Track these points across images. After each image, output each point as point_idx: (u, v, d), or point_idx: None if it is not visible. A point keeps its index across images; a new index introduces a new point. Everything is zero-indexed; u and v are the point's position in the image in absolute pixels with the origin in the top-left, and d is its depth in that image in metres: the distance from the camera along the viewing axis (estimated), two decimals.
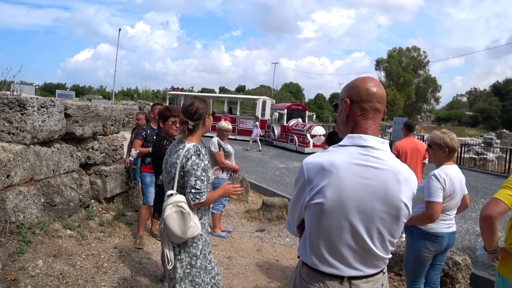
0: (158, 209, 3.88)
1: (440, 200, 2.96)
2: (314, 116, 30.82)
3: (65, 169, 5.30)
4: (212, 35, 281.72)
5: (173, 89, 31.91)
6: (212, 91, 71.51)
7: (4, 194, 4.17)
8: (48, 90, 50.12)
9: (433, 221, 2.99)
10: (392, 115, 44.44)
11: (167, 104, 26.84)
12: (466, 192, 3.27)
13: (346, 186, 1.51)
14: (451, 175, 3.07)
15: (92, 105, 6.09)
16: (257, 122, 21.74)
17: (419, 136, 21.44)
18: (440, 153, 3.15)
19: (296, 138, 20.15)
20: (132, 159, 5.77)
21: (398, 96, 55.90)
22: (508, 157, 17.14)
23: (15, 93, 5.01)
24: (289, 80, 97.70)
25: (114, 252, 4.75)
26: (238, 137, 24.21)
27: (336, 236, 1.55)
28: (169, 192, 2.59)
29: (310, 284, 1.62)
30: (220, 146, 5.64)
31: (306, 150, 18.64)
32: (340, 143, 1.63)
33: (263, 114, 25.42)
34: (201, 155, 2.53)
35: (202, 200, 2.51)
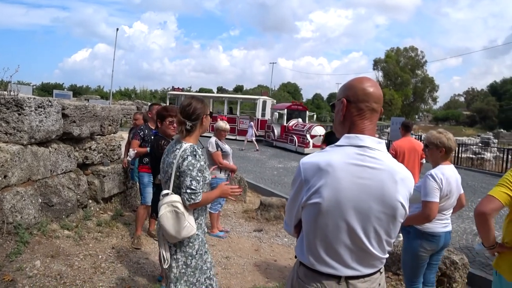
0: (156, 209, 3.87)
1: (437, 200, 2.97)
2: (315, 116, 30.65)
3: (63, 169, 5.29)
4: (210, 35, 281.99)
5: (173, 89, 31.80)
6: (210, 91, 71.49)
7: (2, 194, 4.16)
8: (45, 90, 49.99)
9: (430, 221, 3.00)
10: (390, 115, 44.56)
11: (167, 104, 26.79)
12: (462, 191, 3.29)
13: (342, 186, 1.52)
14: (448, 175, 3.07)
15: (89, 105, 6.08)
16: (252, 122, 21.69)
17: (417, 136, 21.46)
18: (437, 153, 3.16)
19: (295, 138, 20.02)
20: (130, 159, 5.76)
21: (396, 96, 55.94)
22: (505, 156, 17.20)
23: (12, 93, 5.00)
24: (287, 80, 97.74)
25: (112, 252, 4.75)
26: (238, 137, 24.08)
27: (333, 236, 1.56)
28: (164, 191, 2.59)
29: (307, 284, 1.63)
30: (218, 146, 5.64)
31: (306, 150, 18.47)
32: (337, 143, 1.63)
33: (263, 114, 25.24)
34: (197, 156, 2.53)
35: (198, 201, 2.51)
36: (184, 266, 2.58)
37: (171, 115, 4.16)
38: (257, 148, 19.68)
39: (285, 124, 21.68)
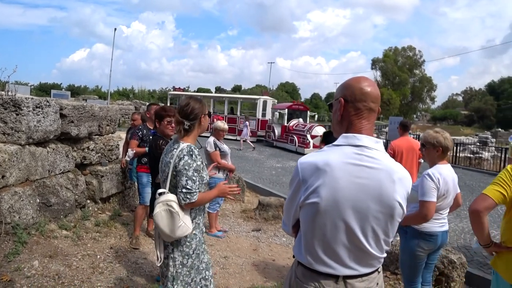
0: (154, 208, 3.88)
1: (434, 199, 2.97)
2: (316, 116, 30.38)
3: (61, 170, 5.28)
4: (208, 35, 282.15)
5: (174, 89, 31.66)
6: (208, 90, 71.46)
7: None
8: (43, 90, 49.89)
9: (427, 220, 3.00)
10: (388, 115, 44.59)
11: (168, 104, 26.68)
12: (459, 191, 3.29)
13: (340, 185, 1.52)
14: (445, 174, 3.08)
15: (87, 105, 6.07)
16: (247, 122, 21.63)
17: (415, 136, 21.49)
18: (433, 152, 3.16)
19: (296, 138, 19.82)
20: (128, 159, 5.76)
21: (394, 95, 55.99)
22: (503, 156, 17.24)
23: (10, 93, 4.99)
24: (285, 80, 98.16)
25: (110, 252, 4.74)
26: (238, 138, 23.89)
27: (331, 235, 1.56)
28: (160, 190, 2.61)
29: (305, 284, 1.63)
30: (216, 146, 5.64)
31: (306, 151, 18.27)
32: (334, 143, 1.64)
33: (263, 114, 25.00)
34: (193, 156, 2.54)
35: (193, 200, 2.51)
36: (180, 266, 2.59)
37: (169, 115, 4.16)
38: (253, 146, 19.71)
39: (285, 124, 21.47)
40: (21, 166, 4.49)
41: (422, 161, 5.86)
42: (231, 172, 5.97)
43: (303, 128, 20.20)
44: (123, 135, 8.34)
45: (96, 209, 6.02)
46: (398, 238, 4.34)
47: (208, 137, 5.98)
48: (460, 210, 8.33)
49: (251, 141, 21.29)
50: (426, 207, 2.94)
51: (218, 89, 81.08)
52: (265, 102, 25.42)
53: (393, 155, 5.58)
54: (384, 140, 19.13)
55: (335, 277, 1.59)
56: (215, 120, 6.22)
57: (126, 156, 5.79)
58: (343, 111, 1.66)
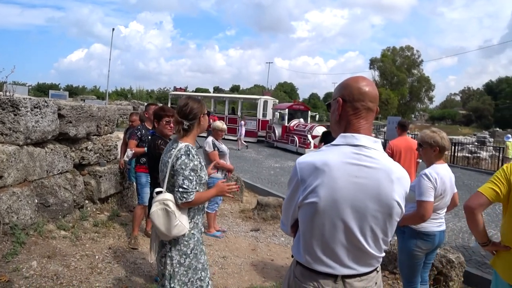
0: None
1: (432, 199, 2.96)
2: (317, 116, 30.05)
3: (59, 170, 5.27)
4: (206, 35, 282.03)
5: (175, 89, 31.49)
6: (206, 90, 71.43)
7: None
8: (41, 90, 49.88)
9: (425, 220, 2.99)
10: (386, 114, 44.63)
11: (169, 104, 26.55)
12: (456, 190, 3.29)
13: (339, 185, 1.52)
14: (442, 174, 3.08)
15: (85, 105, 6.07)
16: (242, 122, 21.51)
17: (413, 135, 21.52)
18: (430, 152, 3.16)
19: (296, 138, 19.64)
20: (127, 159, 5.75)
21: (392, 95, 56.07)
22: (501, 155, 17.32)
23: (7, 93, 4.99)
24: (283, 80, 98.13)
25: (109, 252, 4.74)
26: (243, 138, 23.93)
27: (330, 235, 1.56)
28: (158, 189, 2.63)
29: (304, 283, 1.63)
30: (214, 146, 5.64)
31: (307, 151, 17.95)
32: (333, 143, 1.64)
33: (264, 115, 24.74)
34: (190, 155, 2.55)
35: (190, 200, 2.52)
36: (178, 265, 2.59)
37: (168, 115, 4.16)
38: (246, 145, 19.80)
39: (286, 124, 21.27)
40: (19, 167, 4.48)
41: (421, 160, 5.87)
42: (230, 172, 5.97)
43: (304, 128, 19.99)
44: (121, 135, 8.34)
45: (94, 210, 6.02)
46: (395, 237, 4.35)
47: (205, 137, 5.98)
48: (459, 210, 8.34)
49: (245, 141, 21.20)
50: (424, 207, 2.94)
51: (216, 89, 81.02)
52: (265, 102, 25.17)
53: (391, 155, 5.59)
54: (383, 140, 19.15)
55: (334, 277, 1.59)
56: (210, 120, 6.22)
57: (125, 156, 5.79)
58: (341, 111, 1.66)
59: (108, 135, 6.78)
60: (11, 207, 4.25)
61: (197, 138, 2.84)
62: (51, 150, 5.13)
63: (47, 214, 4.91)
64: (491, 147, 21.34)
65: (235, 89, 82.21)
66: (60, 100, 6.35)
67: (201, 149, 5.47)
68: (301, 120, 21.83)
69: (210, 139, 5.72)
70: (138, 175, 5.31)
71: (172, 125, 4.02)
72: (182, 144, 2.59)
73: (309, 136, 18.80)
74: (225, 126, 5.99)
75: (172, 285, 2.58)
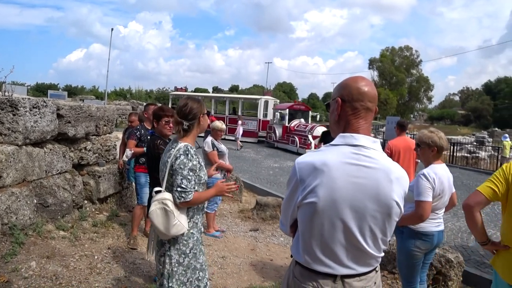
0: None
1: (430, 199, 2.96)
2: (318, 116, 29.70)
3: (58, 170, 5.27)
4: (205, 34, 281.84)
5: (176, 89, 31.35)
6: (205, 90, 71.36)
7: None
8: (40, 90, 49.81)
9: (423, 220, 2.99)
10: (385, 114, 44.67)
11: (170, 104, 26.44)
12: (454, 190, 3.30)
13: (338, 185, 1.52)
14: (440, 174, 3.07)
15: (84, 105, 6.06)
16: (239, 121, 21.36)
17: (412, 135, 21.55)
18: (428, 152, 3.16)
19: (297, 139, 19.38)
20: (126, 159, 5.75)
21: (391, 95, 56.12)
22: (499, 155, 17.38)
23: (6, 93, 4.98)
24: (283, 80, 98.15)
25: (108, 252, 4.74)
26: (241, 138, 23.62)
27: (329, 235, 1.56)
28: (157, 188, 2.65)
29: (303, 283, 1.63)
30: (214, 145, 5.64)
31: (308, 151, 17.82)
32: (332, 143, 1.64)
33: (265, 115, 24.50)
34: (189, 155, 2.56)
35: (188, 199, 2.53)
36: (176, 264, 2.60)
37: (167, 115, 4.17)
38: (241, 145, 19.68)
39: (286, 124, 21.03)
40: (18, 167, 4.47)
41: (419, 161, 5.87)
42: (229, 172, 5.97)
43: (305, 128, 19.74)
44: (120, 135, 8.33)
45: (93, 210, 6.01)
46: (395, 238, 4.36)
47: (202, 137, 5.98)
48: (457, 210, 8.35)
49: (242, 141, 21.08)
50: (422, 207, 2.94)
51: (216, 89, 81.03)
52: (266, 102, 24.93)
53: (390, 155, 5.59)
54: (382, 140, 19.18)
55: (333, 277, 1.59)
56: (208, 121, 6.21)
57: (124, 156, 5.78)
58: (340, 111, 1.66)
59: (107, 135, 6.78)
60: (10, 207, 4.25)
61: (196, 138, 2.84)
62: (50, 150, 5.13)
63: (46, 214, 4.90)
64: (490, 147, 21.37)
65: (234, 89, 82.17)
66: (59, 100, 6.35)
67: (200, 149, 5.47)
68: (302, 120, 21.58)
69: (209, 139, 5.72)
70: (137, 175, 5.31)
71: (171, 125, 4.02)
72: (181, 144, 2.60)
73: (310, 137, 18.51)
74: (224, 126, 5.99)
75: (170, 284, 2.58)
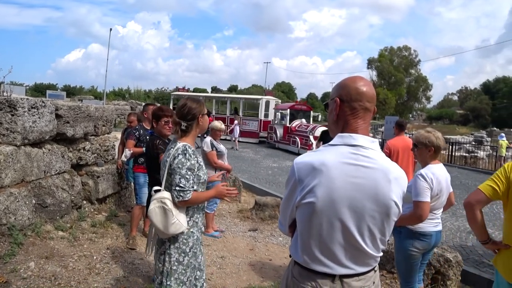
0: None
1: (428, 199, 2.96)
2: (320, 116, 29.33)
3: (57, 170, 5.27)
4: (203, 35, 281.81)
5: (178, 89, 31.21)
6: (204, 90, 71.26)
7: None
8: (38, 90, 49.73)
9: (422, 221, 2.99)
10: (384, 114, 44.69)
11: (172, 105, 26.32)
12: (451, 190, 3.30)
13: (336, 185, 1.52)
14: (438, 174, 3.08)
15: (83, 105, 6.06)
16: (236, 121, 21.11)
17: (411, 135, 21.58)
18: (425, 152, 3.16)
19: (298, 139, 19.01)
20: (125, 159, 5.75)
21: (390, 95, 56.12)
22: (498, 154, 17.46)
23: (5, 93, 4.98)
24: (281, 80, 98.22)
25: (107, 253, 4.73)
26: (241, 139, 22.92)
27: (328, 235, 1.56)
28: (156, 187, 2.67)
29: (302, 283, 1.63)
30: (213, 146, 5.64)
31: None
32: (330, 143, 1.64)
33: (266, 115, 24.10)
34: (187, 155, 2.58)
35: (186, 198, 2.55)
36: (176, 263, 2.61)
37: (167, 115, 4.18)
38: (232, 147, 19.35)
39: (288, 125, 20.67)
40: (16, 167, 4.47)
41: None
42: (228, 172, 5.97)
43: (306, 129, 19.38)
44: (119, 135, 8.33)
45: (92, 210, 6.01)
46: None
47: (199, 137, 5.97)
48: (456, 209, 8.37)
49: (239, 141, 20.86)
50: (421, 208, 2.94)
51: (214, 89, 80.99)
52: (267, 102, 24.58)
53: (389, 155, 5.60)
54: (380, 140, 19.18)
55: (332, 276, 1.59)
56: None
57: (123, 156, 5.78)
58: (338, 111, 1.66)
59: (106, 135, 6.78)
60: (8, 207, 4.25)
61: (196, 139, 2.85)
62: (49, 150, 5.12)
63: (44, 214, 4.90)
64: (489, 147, 21.41)
65: (233, 89, 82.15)
66: (58, 100, 6.35)
67: (199, 149, 5.47)
68: (303, 120, 21.16)
69: (208, 139, 5.72)
70: (136, 175, 5.30)
71: (170, 125, 4.03)
72: (180, 144, 2.62)
73: (311, 137, 18.07)
74: (223, 126, 5.99)
75: (169, 282, 2.59)
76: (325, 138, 6.83)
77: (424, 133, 3.21)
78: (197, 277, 2.74)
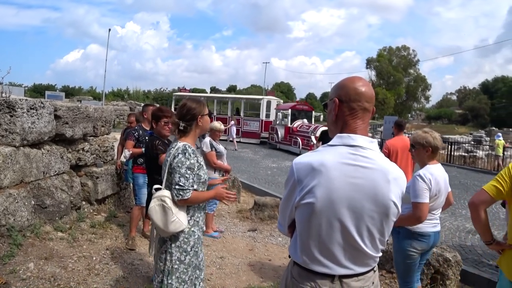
0: None
1: (427, 200, 2.95)
2: (322, 116, 29.10)
3: (56, 171, 5.26)
4: (202, 35, 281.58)
5: (180, 90, 31.17)
6: (203, 91, 71.25)
7: None
8: (37, 91, 49.68)
9: (421, 222, 2.98)
10: (383, 114, 44.69)
11: (173, 105, 26.27)
12: (450, 190, 3.30)
13: (335, 185, 1.53)
14: (436, 174, 3.07)
15: (82, 106, 6.05)
16: (232, 121, 21.01)
17: (410, 135, 21.59)
18: (423, 152, 3.16)
19: (299, 140, 18.77)
20: (124, 159, 5.75)
21: (389, 95, 56.22)
22: (495, 154, 17.54)
23: (4, 94, 4.97)
24: (280, 80, 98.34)
25: (106, 253, 4.73)
26: (242, 140, 23.11)
27: (327, 235, 1.56)
28: (156, 186, 2.70)
29: (301, 284, 1.63)
30: (212, 146, 5.64)
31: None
32: (329, 143, 1.64)
33: (267, 115, 23.90)
34: (187, 154, 2.59)
35: (186, 197, 2.57)
36: (177, 262, 2.62)
37: (166, 116, 4.19)
38: (225, 147, 19.21)
39: (289, 125, 20.49)
40: (15, 168, 4.47)
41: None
42: (227, 173, 5.97)
43: (307, 129, 19.12)
44: (118, 136, 8.33)
45: (91, 211, 6.01)
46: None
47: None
48: (455, 209, 8.38)
49: (236, 141, 20.82)
50: (420, 209, 2.93)
51: (213, 90, 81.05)
52: (269, 102, 24.37)
53: (388, 155, 5.60)
54: (379, 139, 19.18)
55: (331, 277, 1.59)
56: None
57: (122, 157, 5.78)
58: (337, 111, 1.66)
59: (105, 136, 6.77)
60: (7, 208, 4.24)
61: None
62: (48, 151, 5.12)
63: (44, 215, 4.89)
64: (487, 146, 21.43)
65: (232, 89, 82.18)
66: (57, 101, 6.34)
67: (199, 149, 5.47)
68: (305, 120, 21.01)
69: (207, 139, 5.72)
70: (136, 176, 5.30)
71: (170, 125, 4.04)
72: (180, 144, 2.64)
73: (313, 138, 17.71)
74: (222, 127, 6.00)
75: (170, 281, 2.61)
76: (324, 138, 6.83)
77: (421, 134, 3.21)
78: (196, 276, 2.75)
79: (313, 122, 21.84)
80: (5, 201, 4.22)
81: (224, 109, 27.49)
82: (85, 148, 5.97)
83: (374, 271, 1.69)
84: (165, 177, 2.66)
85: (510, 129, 40.63)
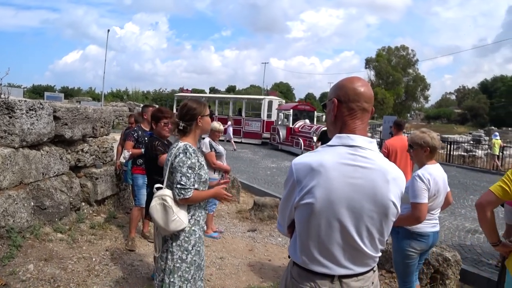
0: None
1: (426, 200, 2.95)
2: (324, 117, 28.92)
3: (55, 172, 5.26)
4: (201, 35, 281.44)
5: (181, 90, 31.12)
6: (202, 91, 71.24)
7: None
8: (36, 92, 49.59)
9: (420, 222, 2.98)
10: (382, 114, 44.73)
11: (175, 106, 26.20)
12: (449, 189, 3.30)
13: (335, 186, 1.53)
14: (435, 174, 3.07)
15: (81, 107, 6.05)
16: (229, 122, 20.77)
17: (409, 134, 21.58)
18: (421, 152, 3.16)
19: (301, 141, 18.42)
20: (124, 160, 5.74)
21: (388, 95, 56.25)
22: (491, 153, 17.61)
23: (2, 96, 4.97)
24: (279, 80, 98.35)
25: (106, 254, 4.73)
26: (243, 140, 23.01)
27: (326, 235, 1.56)
28: (158, 185, 2.73)
29: (301, 284, 1.63)
30: (211, 146, 5.64)
31: None
32: (328, 143, 1.64)
33: (269, 115, 23.68)
34: (188, 153, 2.62)
35: (187, 196, 2.60)
36: (179, 261, 2.64)
37: (166, 117, 4.20)
38: (234, 149, 19.09)
39: (291, 125, 20.24)
40: (14, 169, 4.46)
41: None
42: (226, 173, 5.97)
43: (309, 129, 18.86)
44: (117, 137, 8.33)
45: (91, 212, 6.00)
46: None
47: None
48: (455, 208, 8.39)
49: (229, 142, 20.56)
50: (419, 209, 2.93)
51: (213, 90, 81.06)
52: (270, 102, 24.13)
53: (387, 154, 5.61)
54: (378, 139, 19.17)
55: (331, 277, 1.59)
56: None
57: (122, 158, 5.77)
58: (336, 112, 1.67)
59: (104, 136, 6.76)
60: (7, 210, 4.24)
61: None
62: (47, 152, 5.11)
63: (43, 216, 4.89)
64: (487, 146, 21.43)
65: (231, 89, 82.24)
66: (56, 102, 6.34)
67: (199, 149, 5.47)
68: (307, 121, 20.67)
69: (207, 139, 5.72)
70: (135, 177, 5.29)
71: (170, 126, 4.06)
72: (181, 143, 2.67)
73: (315, 138, 17.09)
74: (222, 127, 6.00)
75: (172, 279, 2.62)
76: (324, 139, 6.83)
77: (419, 134, 3.21)
78: (198, 275, 2.77)
79: (315, 123, 21.60)
80: (4, 203, 4.22)
81: (225, 110, 27.27)
82: (84, 149, 5.96)
83: (374, 271, 1.70)
84: (166, 177, 2.69)
85: (509, 129, 40.72)
